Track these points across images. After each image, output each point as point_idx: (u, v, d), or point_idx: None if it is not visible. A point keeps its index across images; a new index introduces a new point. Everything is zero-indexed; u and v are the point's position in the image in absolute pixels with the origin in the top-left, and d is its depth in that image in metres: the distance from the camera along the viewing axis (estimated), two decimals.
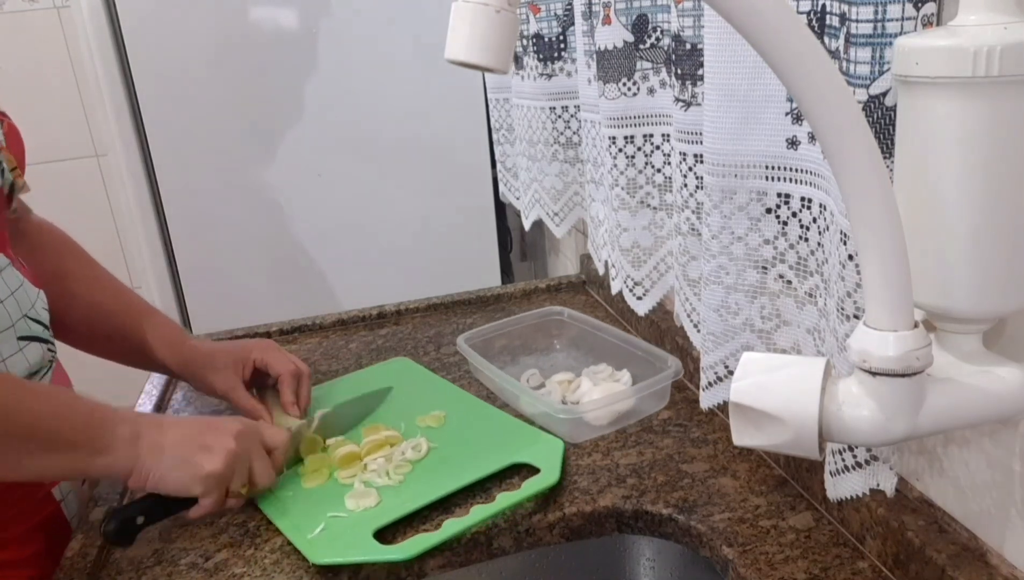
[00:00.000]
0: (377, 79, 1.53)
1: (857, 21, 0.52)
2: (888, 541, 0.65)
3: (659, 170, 0.94)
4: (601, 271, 1.15)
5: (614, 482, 0.82)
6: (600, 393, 0.94)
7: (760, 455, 0.84)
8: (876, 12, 0.51)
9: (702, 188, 0.76)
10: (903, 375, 0.47)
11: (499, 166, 1.43)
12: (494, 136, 1.41)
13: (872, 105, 0.54)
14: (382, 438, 0.89)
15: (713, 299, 0.76)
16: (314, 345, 1.23)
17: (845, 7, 0.54)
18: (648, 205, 0.95)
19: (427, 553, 0.74)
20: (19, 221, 0.92)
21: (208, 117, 1.48)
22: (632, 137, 0.93)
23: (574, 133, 1.17)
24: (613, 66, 0.91)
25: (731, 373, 0.77)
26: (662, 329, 1.04)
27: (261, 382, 0.98)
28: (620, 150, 0.94)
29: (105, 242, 2.05)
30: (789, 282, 0.72)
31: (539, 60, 1.14)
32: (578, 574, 0.82)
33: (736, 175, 0.70)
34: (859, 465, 0.62)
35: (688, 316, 0.87)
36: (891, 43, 0.51)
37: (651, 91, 0.91)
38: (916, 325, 0.47)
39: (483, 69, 0.49)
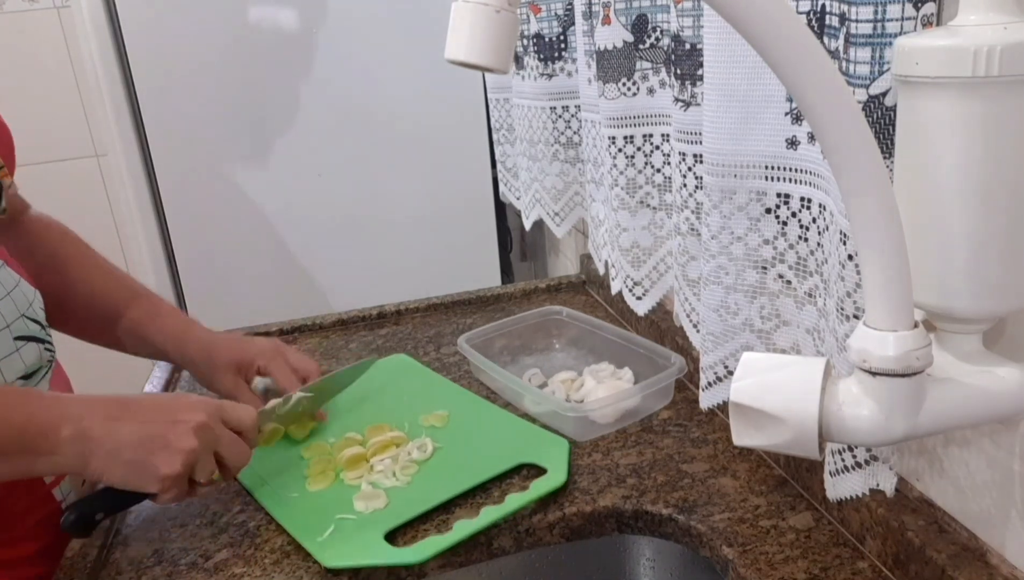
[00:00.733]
0: (377, 79, 1.53)
1: (857, 21, 0.52)
2: (888, 541, 0.65)
3: (659, 170, 0.94)
4: (601, 271, 1.15)
5: (614, 482, 0.82)
6: (605, 391, 0.94)
7: (760, 455, 0.84)
8: (876, 12, 0.51)
9: (701, 188, 0.76)
10: (903, 375, 0.47)
11: (499, 166, 1.43)
12: (494, 136, 1.41)
13: (872, 105, 0.54)
14: (388, 439, 0.89)
15: (713, 299, 0.76)
16: (314, 345, 1.23)
17: (845, 7, 0.54)
18: (648, 205, 0.95)
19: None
20: (18, 218, 0.92)
21: (208, 117, 1.48)
22: (632, 137, 0.93)
23: (575, 133, 1.17)
24: (613, 66, 0.91)
25: (731, 373, 0.78)
26: (662, 329, 1.04)
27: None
28: (620, 150, 0.94)
29: (105, 242, 2.03)
30: (789, 282, 0.72)
31: (539, 60, 1.14)
32: (578, 574, 0.82)
33: (736, 175, 0.70)
34: (859, 465, 0.62)
35: (688, 316, 0.87)
36: (891, 43, 0.51)
37: (651, 91, 0.91)
38: (916, 325, 0.47)
39: (483, 69, 0.49)
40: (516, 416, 0.95)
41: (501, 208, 1.68)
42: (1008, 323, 0.54)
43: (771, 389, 0.50)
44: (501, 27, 0.47)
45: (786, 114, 0.66)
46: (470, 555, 0.77)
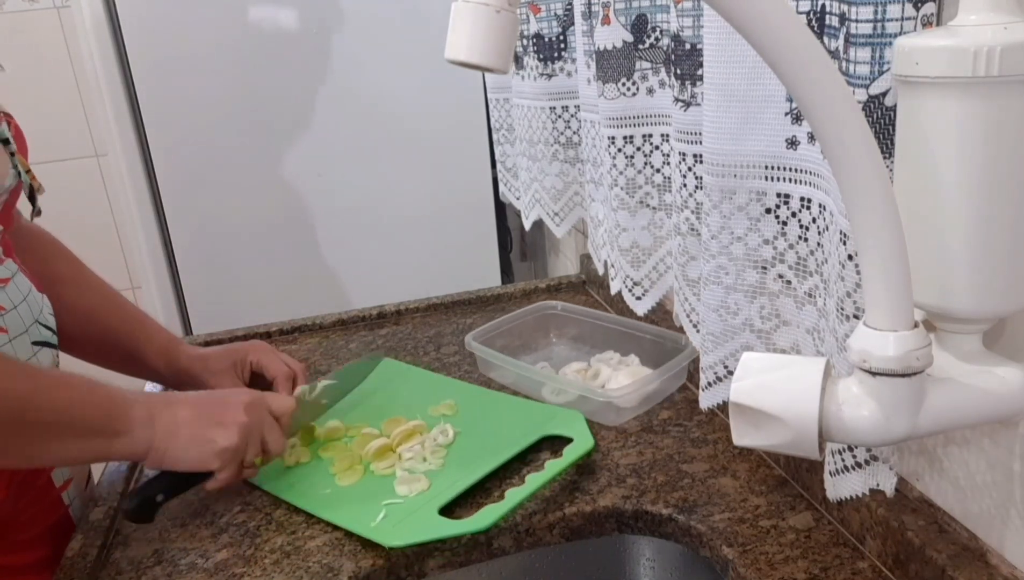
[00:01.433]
0: (377, 79, 1.53)
1: (857, 21, 0.52)
2: (888, 541, 0.65)
3: (658, 170, 0.94)
4: (601, 271, 1.15)
5: (614, 482, 0.82)
6: (626, 378, 0.96)
7: (760, 455, 0.84)
8: (876, 12, 0.51)
9: (701, 188, 0.76)
10: (903, 375, 0.47)
11: (499, 166, 1.43)
12: (494, 136, 1.41)
13: (872, 105, 0.54)
14: (410, 427, 0.91)
15: (712, 299, 0.76)
16: (314, 345, 1.23)
17: (845, 7, 0.54)
18: (647, 205, 0.95)
19: (429, 551, 0.74)
20: (9, 227, 0.91)
21: (208, 117, 1.48)
22: (631, 137, 0.93)
23: (574, 133, 1.17)
24: (612, 66, 0.91)
25: (731, 373, 0.77)
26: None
27: (256, 384, 0.98)
28: (619, 150, 0.94)
29: (105, 242, 2.05)
30: (789, 282, 0.72)
31: (539, 60, 1.14)
32: (578, 574, 0.82)
33: (735, 175, 0.70)
34: (859, 465, 0.62)
35: (687, 316, 0.87)
36: (891, 43, 0.51)
37: (650, 91, 0.91)
38: (916, 325, 0.47)
39: (483, 69, 0.49)
40: (521, 398, 0.97)
41: (501, 208, 1.68)
42: (1008, 323, 0.54)
43: (771, 389, 0.50)
44: (501, 27, 0.47)
45: (786, 114, 0.66)
46: (470, 555, 0.77)
